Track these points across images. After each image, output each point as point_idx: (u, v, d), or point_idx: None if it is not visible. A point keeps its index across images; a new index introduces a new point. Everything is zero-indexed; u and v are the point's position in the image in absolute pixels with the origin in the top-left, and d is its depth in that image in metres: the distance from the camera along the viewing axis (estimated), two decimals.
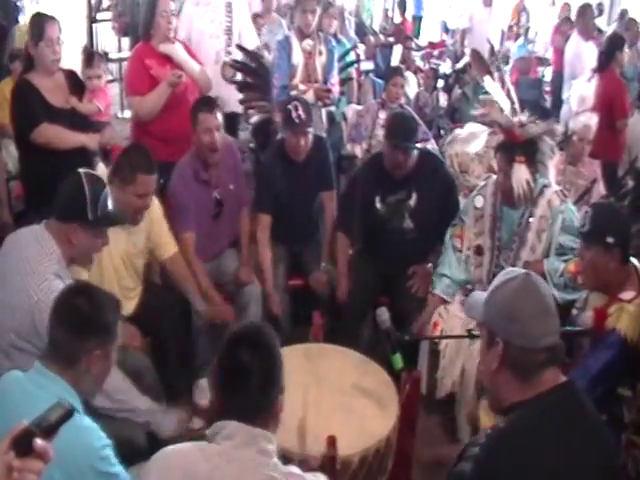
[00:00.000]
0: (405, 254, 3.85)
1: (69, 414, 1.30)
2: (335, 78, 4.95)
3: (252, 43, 5.54)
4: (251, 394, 1.80)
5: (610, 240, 2.75)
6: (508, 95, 3.58)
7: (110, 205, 2.76)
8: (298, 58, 4.80)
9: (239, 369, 1.80)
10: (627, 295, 2.76)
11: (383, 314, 2.82)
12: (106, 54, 7.95)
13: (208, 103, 3.79)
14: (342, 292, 3.86)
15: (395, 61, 7.63)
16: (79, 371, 2.08)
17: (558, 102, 7.22)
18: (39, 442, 1.22)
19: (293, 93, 4.69)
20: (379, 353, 3.02)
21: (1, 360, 2.59)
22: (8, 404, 1.98)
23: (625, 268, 2.82)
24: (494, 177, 3.67)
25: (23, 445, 1.22)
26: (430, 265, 3.85)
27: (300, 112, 3.83)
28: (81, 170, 2.74)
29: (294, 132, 3.90)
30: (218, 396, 1.86)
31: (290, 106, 3.86)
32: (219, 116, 3.76)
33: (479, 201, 3.65)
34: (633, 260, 2.90)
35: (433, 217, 3.86)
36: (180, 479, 1.73)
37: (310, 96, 4.68)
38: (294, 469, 1.83)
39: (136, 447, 2.63)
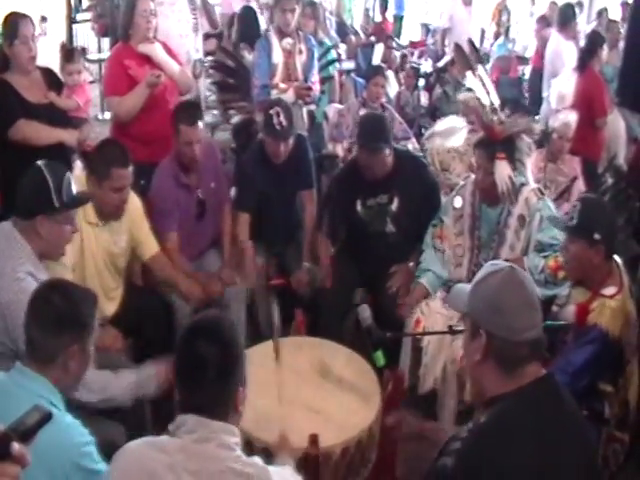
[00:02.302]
0: (387, 255, 3.85)
1: (47, 418, 1.29)
2: (315, 76, 4.95)
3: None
4: (208, 386, 1.79)
5: (597, 236, 2.77)
6: (488, 93, 3.59)
7: (74, 189, 2.74)
8: (278, 57, 4.79)
9: (195, 360, 1.80)
10: (609, 291, 2.78)
11: (364, 311, 2.82)
12: (84, 50, 7.88)
13: (190, 115, 3.74)
14: (328, 279, 3.84)
15: (376, 60, 7.64)
16: (58, 367, 2.08)
17: (537, 100, 7.26)
18: (16, 446, 1.20)
19: (273, 92, 4.68)
20: (361, 351, 3.02)
21: None
22: None
23: (608, 264, 2.84)
24: (473, 177, 3.68)
25: (0, 449, 1.20)
26: (412, 264, 3.85)
27: (282, 119, 3.80)
28: (39, 162, 2.72)
29: (274, 138, 3.88)
30: (176, 388, 1.85)
31: (272, 111, 3.82)
32: (200, 126, 3.74)
33: (458, 201, 3.66)
34: (616, 257, 2.92)
35: (415, 220, 3.84)
36: (140, 478, 1.73)
37: (290, 95, 4.67)
38: (257, 460, 1.83)
39: (118, 449, 2.60)
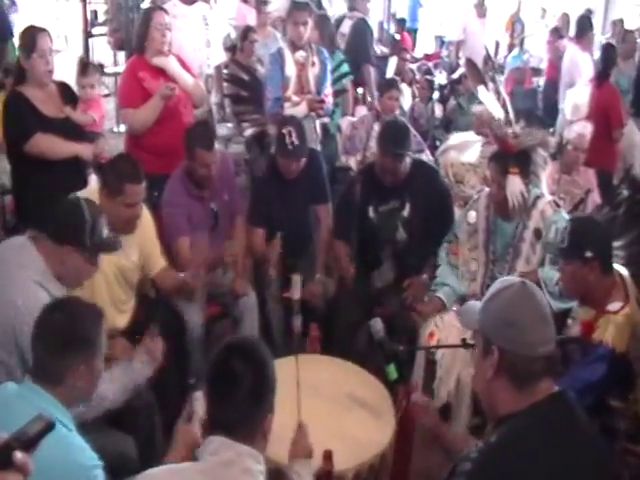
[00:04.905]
0: (399, 265, 3.83)
1: (49, 427, 1.29)
2: (328, 89, 4.94)
3: (220, 57, 5.56)
4: (238, 405, 1.79)
5: (589, 254, 2.75)
6: (503, 106, 3.57)
7: (105, 232, 2.75)
8: (291, 70, 4.79)
9: (228, 376, 1.80)
10: (614, 306, 2.74)
11: (377, 324, 2.80)
12: (101, 66, 7.94)
13: (207, 139, 3.74)
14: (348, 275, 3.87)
15: (390, 73, 7.64)
16: (66, 388, 2.06)
17: (552, 111, 7.23)
18: (19, 455, 1.21)
19: (286, 105, 4.68)
20: (373, 364, 3.00)
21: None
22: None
23: (608, 279, 2.81)
24: (487, 190, 3.67)
25: (2, 458, 1.21)
26: (425, 277, 3.83)
27: (294, 138, 3.82)
28: (79, 195, 2.76)
29: (287, 157, 3.90)
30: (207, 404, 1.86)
31: (284, 130, 3.84)
32: (216, 148, 3.75)
33: (472, 216, 3.63)
34: (620, 269, 2.89)
35: (427, 228, 3.83)
36: None
37: (303, 107, 4.68)
38: None
39: (127, 461, 2.60)
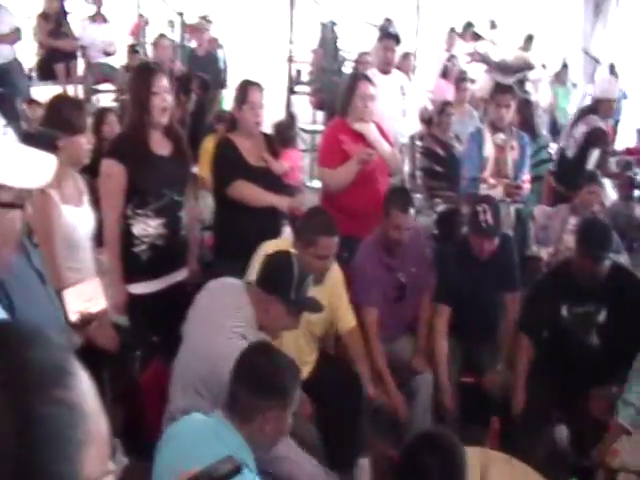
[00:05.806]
0: (588, 373, 3.58)
1: (237, 470, 1.36)
2: (526, 175, 4.84)
3: (414, 127, 5.55)
4: None
5: None
6: None
7: (309, 292, 2.86)
8: (489, 151, 4.74)
9: (419, 470, 1.72)
10: None
11: (562, 432, 2.62)
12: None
13: (404, 202, 3.79)
14: (517, 405, 3.61)
15: (591, 166, 7.33)
16: (254, 428, 2.12)
17: None
18: None
19: (482, 186, 4.62)
20: (552, 473, 2.79)
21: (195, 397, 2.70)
22: (184, 444, 2.07)
23: None
24: None
25: None
26: (614, 389, 3.54)
27: (488, 217, 3.75)
28: (292, 251, 2.92)
29: (479, 235, 3.84)
30: None
31: (479, 208, 3.80)
32: (412, 213, 3.79)
33: None
34: None
35: (622, 337, 3.57)
36: None
37: (499, 191, 4.61)
38: None
39: None
